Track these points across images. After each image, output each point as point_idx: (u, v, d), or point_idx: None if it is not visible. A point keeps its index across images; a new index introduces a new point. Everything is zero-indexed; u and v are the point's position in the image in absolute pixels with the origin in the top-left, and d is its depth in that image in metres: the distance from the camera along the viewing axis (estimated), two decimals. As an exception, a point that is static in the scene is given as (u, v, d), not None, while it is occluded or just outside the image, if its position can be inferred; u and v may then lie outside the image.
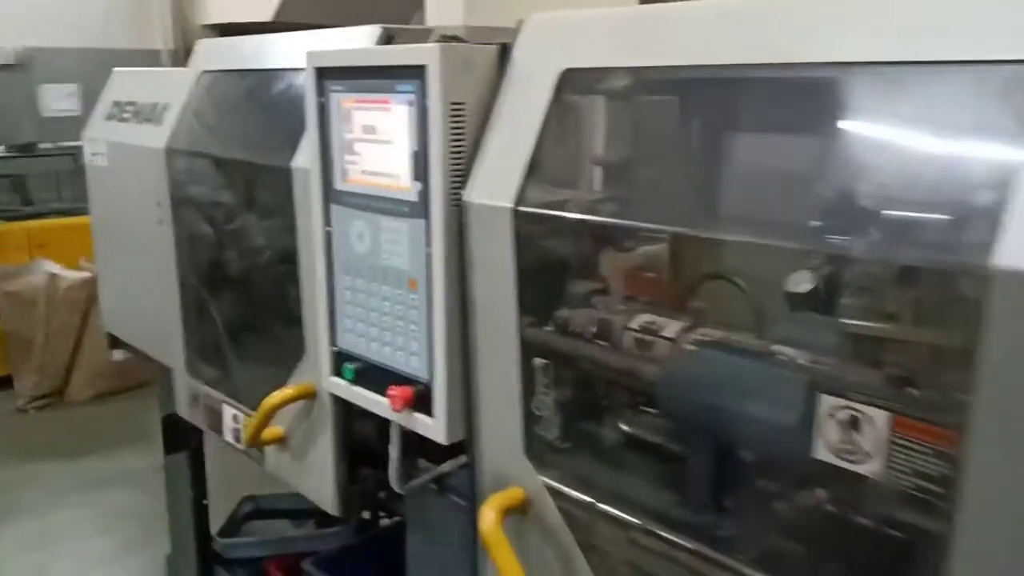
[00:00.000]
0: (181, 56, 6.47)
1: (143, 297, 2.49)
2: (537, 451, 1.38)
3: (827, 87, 1.07)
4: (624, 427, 1.41)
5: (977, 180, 0.90)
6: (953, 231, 0.91)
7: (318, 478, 1.84)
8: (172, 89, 2.31)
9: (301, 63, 1.58)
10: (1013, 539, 0.83)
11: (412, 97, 1.38)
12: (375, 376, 1.54)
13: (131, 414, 4.85)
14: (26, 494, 4.15)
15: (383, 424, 1.62)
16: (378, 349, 1.54)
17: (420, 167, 1.39)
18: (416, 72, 1.35)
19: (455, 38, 1.43)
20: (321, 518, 2.68)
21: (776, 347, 1.17)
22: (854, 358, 1.09)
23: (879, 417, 0.97)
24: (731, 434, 1.21)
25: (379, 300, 1.52)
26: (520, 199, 1.30)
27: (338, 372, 1.63)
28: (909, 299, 1.02)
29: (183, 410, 2.37)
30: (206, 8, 6.84)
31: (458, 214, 1.38)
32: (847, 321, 1.11)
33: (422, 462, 1.62)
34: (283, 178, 1.76)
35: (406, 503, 1.73)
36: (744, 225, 1.23)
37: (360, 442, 1.78)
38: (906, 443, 0.95)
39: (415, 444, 1.59)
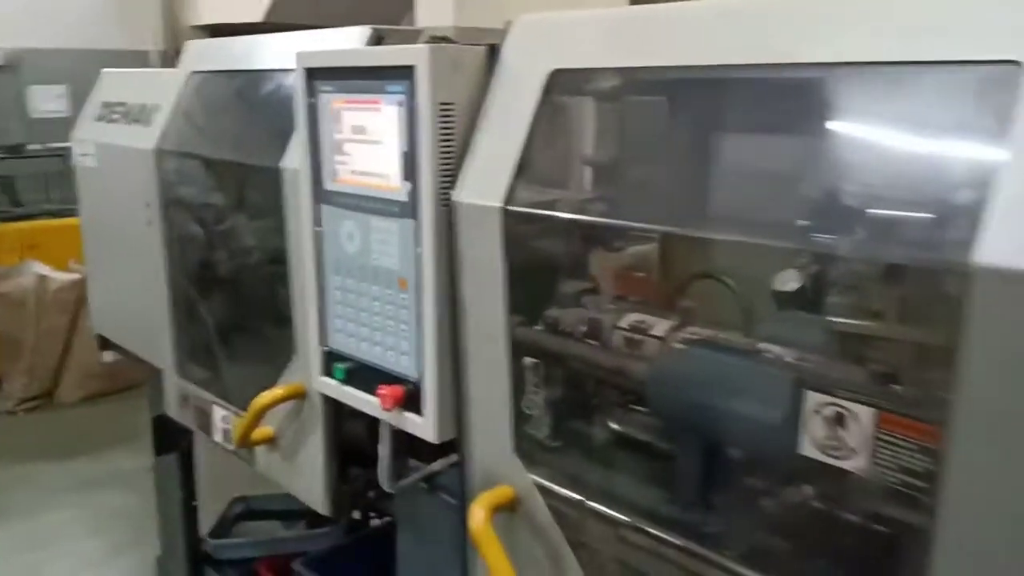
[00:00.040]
0: (170, 57, 6.45)
1: (133, 298, 2.49)
2: (527, 449, 1.38)
3: (813, 88, 1.08)
4: (613, 426, 1.42)
5: (959, 179, 0.92)
6: (935, 229, 0.92)
7: (308, 478, 1.84)
8: (161, 90, 2.30)
9: (291, 64, 1.58)
10: (994, 533, 0.84)
11: (401, 98, 1.38)
12: (365, 376, 1.55)
13: (121, 416, 4.84)
14: (16, 496, 4.13)
15: (373, 424, 1.63)
16: (368, 349, 1.55)
17: (409, 167, 1.40)
18: (405, 73, 1.36)
19: (444, 39, 1.44)
20: (312, 519, 2.69)
21: (763, 345, 1.18)
22: (840, 355, 1.10)
23: (864, 413, 0.98)
24: (719, 431, 1.22)
25: (369, 300, 1.53)
26: (509, 199, 1.31)
27: (328, 372, 1.63)
28: (893, 297, 1.03)
29: (173, 411, 2.37)
30: (196, 9, 6.83)
31: (447, 214, 1.38)
32: (833, 319, 1.13)
33: (412, 461, 1.62)
34: (273, 178, 1.76)
35: (396, 502, 1.73)
36: (732, 224, 1.24)
37: (350, 442, 1.79)
38: (890, 439, 0.96)
39: (405, 443, 1.59)
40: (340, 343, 1.61)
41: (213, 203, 2.21)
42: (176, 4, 6.94)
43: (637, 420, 1.39)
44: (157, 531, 3.02)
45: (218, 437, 2.15)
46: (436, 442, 1.46)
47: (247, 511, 2.92)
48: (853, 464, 1.00)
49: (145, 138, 2.27)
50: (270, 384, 1.84)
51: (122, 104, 2.49)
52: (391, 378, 1.50)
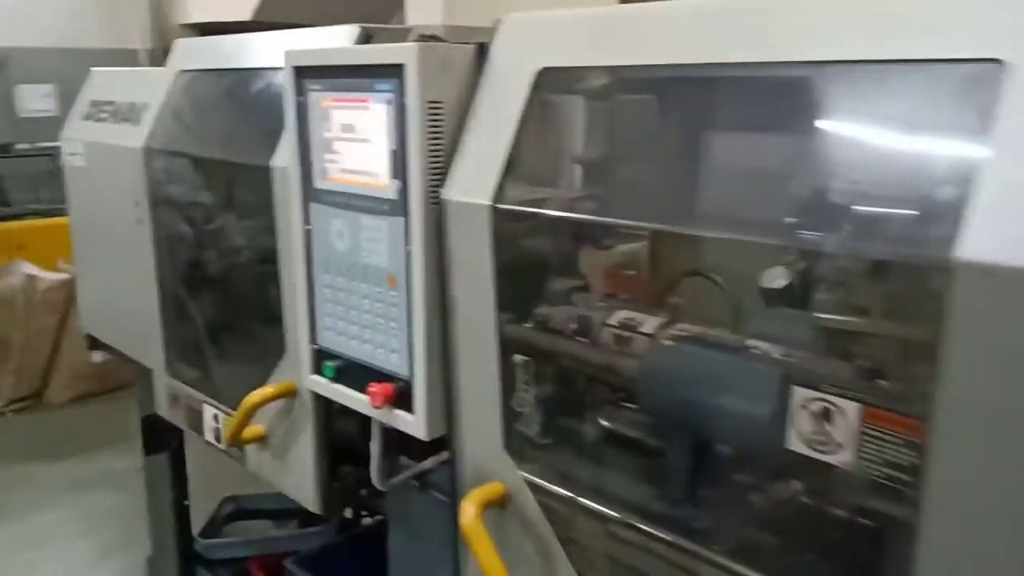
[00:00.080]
0: (159, 56, 6.42)
1: (122, 298, 2.48)
2: (517, 446, 1.39)
3: (799, 86, 1.09)
4: (603, 422, 1.43)
5: (942, 176, 0.93)
6: (919, 226, 0.94)
7: (299, 476, 1.84)
8: (150, 89, 2.30)
9: (279, 62, 1.58)
10: (976, 525, 0.85)
11: (390, 96, 1.39)
12: (356, 374, 1.55)
13: (111, 416, 4.82)
14: (5, 497, 4.11)
15: (364, 422, 1.63)
16: (358, 347, 1.55)
17: (399, 165, 1.40)
18: (394, 71, 1.36)
19: (433, 37, 1.44)
20: (303, 518, 2.69)
21: (751, 342, 1.19)
22: (826, 351, 1.11)
23: (850, 408, 0.99)
24: (708, 427, 1.23)
25: (359, 298, 1.53)
26: (498, 197, 1.31)
27: (319, 370, 1.63)
28: (879, 293, 1.04)
29: (163, 410, 2.36)
30: (185, 7, 6.80)
31: (437, 212, 1.39)
32: (820, 315, 1.13)
33: (403, 459, 1.63)
34: (262, 177, 1.76)
35: (388, 500, 1.74)
36: (719, 222, 1.25)
37: (342, 440, 1.79)
38: (876, 433, 0.97)
39: (396, 441, 1.60)
40: (330, 341, 1.61)
41: (202, 202, 2.20)
42: (164, 3, 6.91)
43: (627, 417, 1.39)
44: (148, 531, 3.02)
45: (209, 436, 2.15)
46: (426, 439, 1.46)
47: (238, 511, 2.92)
48: (839, 459, 1.01)
49: (134, 137, 2.27)
50: (260, 383, 1.84)
51: (111, 103, 2.48)
52: (381, 376, 1.50)
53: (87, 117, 2.60)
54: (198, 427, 2.19)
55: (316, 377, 1.65)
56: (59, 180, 2.80)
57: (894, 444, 0.95)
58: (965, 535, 0.86)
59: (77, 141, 2.61)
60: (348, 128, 1.48)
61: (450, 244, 1.39)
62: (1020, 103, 0.83)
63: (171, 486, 2.75)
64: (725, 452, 1.26)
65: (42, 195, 5.99)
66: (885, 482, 0.97)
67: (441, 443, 1.50)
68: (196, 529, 2.81)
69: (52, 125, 4.04)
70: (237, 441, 1.91)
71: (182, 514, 2.78)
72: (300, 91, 1.55)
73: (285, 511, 2.82)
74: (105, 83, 2.63)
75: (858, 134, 1.08)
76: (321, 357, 1.63)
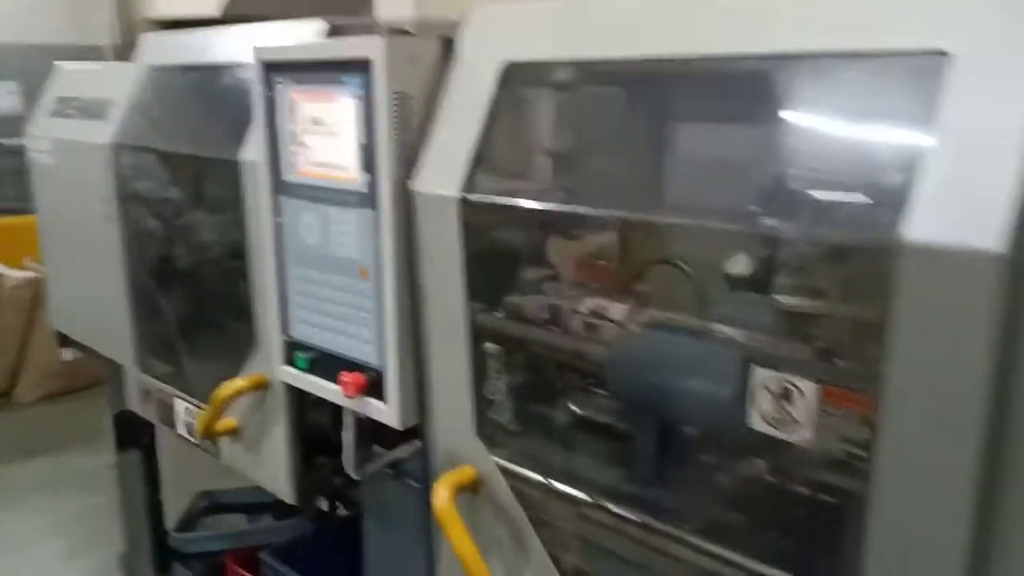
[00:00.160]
0: (124, 52, 6.34)
1: (92, 294, 2.47)
2: (489, 432, 1.41)
3: (758, 79, 1.12)
4: (573, 408, 1.46)
5: (890, 162, 0.96)
6: (869, 210, 0.97)
7: (273, 467, 1.85)
8: (117, 84, 2.29)
9: (247, 57, 1.59)
10: (922, 496, 0.89)
11: (359, 90, 1.40)
12: (328, 364, 1.56)
13: (81, 414, 4.77)
14: (-25, 498, 4.07)
15: (338, 413, 1.64)
16: (331, 338, 1.56)
17: (368, 158, 1.42)
18: (362, 65, 1.38)
19: (401, 31, 1.46)
20: (277, 512, 2.69)
21: (715, 326, 1.23)
22: (786, 333, 1.14)
23: (808, 388, 1.03)
24: (675, 410, 1.26)
25: (330, 290, 1.55)
26: (466, 188, 1.33)
27: (291, 361, 1.65)
28: (834, 276, 1.08)
29: (135, 405, 2.36)
30: (152, 2, 6.71)
31: (406, 204, 1.40)
32: (780, 299, 1.17)
33: (377, 448, 1.65)
34: (231, 171, 1.76)
35: (362, 488, 1.75)
36: (685, 210, 1.28)
37: (315, 431, 1.80)
38: (832, 412, 1.01)
39: (369, 431, 1.62)
40: (302, 333, 1.62)
41: (171, 197, 2.20)
42: (130, -3, 6.81)
43: (596, 402, 1.42)
44: (120, 529, 3.00)
45: (182, 430, 2.15)
46: (400, 428, 1.48)
47: (212, 506, 2.91)
48: (799, 436, 1.04)
49: (102, 133, 2.26)
50: (232, 377, 1.84)
51: (77, 99, 2.47)
52: (353, 366, 1.52)
53: (54, 114, 2.57)
54: (170, 421, 2.19)
55: (288, 368, 1.66)
56: (23, 178, 2.77)
57: (850, 421, 0.99)
58: (912, 504, 0.90)
59: (44, 138, 2.58)
60: (317, 122, 1.49)
61: (420, 235, 1.41)
62: (963, 92, 0.87)
63: (144, 482, 2.74)
64: (691, 434, 1.30)
65: (7, 193, 5.89)
66: (841, 458, 1.01)
67: (413, 432, 1.52)
68: (169, 525, 2.80)
69: (16, 123, 3.98)
70: (210, 434, 1.92)
71: (156, 509, 2.77)
72: (269, 86, 1.56)
73: (259, 505, 2.82)
74: (71, 79, 2.61)
75: (813, 124, 1.12)
76: (293, 348, 1.64)
